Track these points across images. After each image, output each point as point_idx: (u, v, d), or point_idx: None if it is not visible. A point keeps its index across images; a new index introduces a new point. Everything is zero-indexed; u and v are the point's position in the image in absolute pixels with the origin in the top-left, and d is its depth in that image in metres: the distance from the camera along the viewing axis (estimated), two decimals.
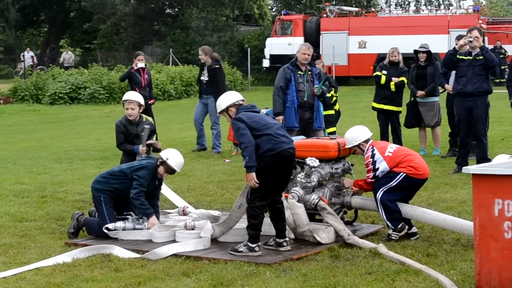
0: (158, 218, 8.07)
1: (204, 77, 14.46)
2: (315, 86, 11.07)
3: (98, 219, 8.05)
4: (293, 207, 7.44)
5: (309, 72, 11.11)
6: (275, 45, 36.73)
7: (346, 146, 7.89)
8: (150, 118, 9.71)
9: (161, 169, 8.04)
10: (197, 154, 14.29)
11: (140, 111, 9.33)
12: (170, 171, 8.07)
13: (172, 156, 8.09)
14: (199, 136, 14.82)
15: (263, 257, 6.90)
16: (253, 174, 6.86)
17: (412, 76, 13.23)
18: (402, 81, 13.05)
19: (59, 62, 39.11)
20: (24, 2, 49.16)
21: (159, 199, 8.53)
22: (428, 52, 13.15)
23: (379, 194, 7.42)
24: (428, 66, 13.01)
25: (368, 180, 7.60)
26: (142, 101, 9.34)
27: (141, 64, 15.03)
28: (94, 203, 8.20)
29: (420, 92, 12.95)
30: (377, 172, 7.50)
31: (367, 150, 7.64)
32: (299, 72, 11.02)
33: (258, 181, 6.87)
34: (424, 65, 13.05)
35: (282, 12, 38.82)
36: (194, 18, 42.85)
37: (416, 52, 13.31)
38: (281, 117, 10.58)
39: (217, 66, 14.42)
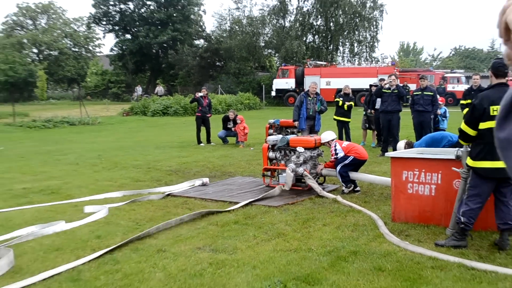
0: None
1: (231, 126, 14.52)
2: (315, 106, 11.30)
3: None
4: (287, 176, 7.53)
5: (315, 98, 11.32)
6: (278, 83, 36.68)
7: (321, 142, 7.90)
8: None
9: None
10: (233, 145, 14.33)
11: None
12: None
13: None
14: (224, 140, 14.70)
15: (272, 201, 6.79)
16: None
17: (366, 100, 13.16)
18: (351, 104, 13.04)
19: (156, 93, 39.10)
20: (136, 58, 49.19)
21: None
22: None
23: (338, 168, 7.43)
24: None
25: (332, 160, 7.59)
26: None
27: (200, 93, 14.90)
28: None
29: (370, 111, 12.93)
30: (337, 156, 7.50)
31: (332, 145, 7.68)
32: (309, 97, 11.31)
33: None
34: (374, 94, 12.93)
35: (282, 64, 38.66)
36: (232, 67, 42.85)
37: (371, 85, 13.30)
38: (297, 122, 11.16)
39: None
